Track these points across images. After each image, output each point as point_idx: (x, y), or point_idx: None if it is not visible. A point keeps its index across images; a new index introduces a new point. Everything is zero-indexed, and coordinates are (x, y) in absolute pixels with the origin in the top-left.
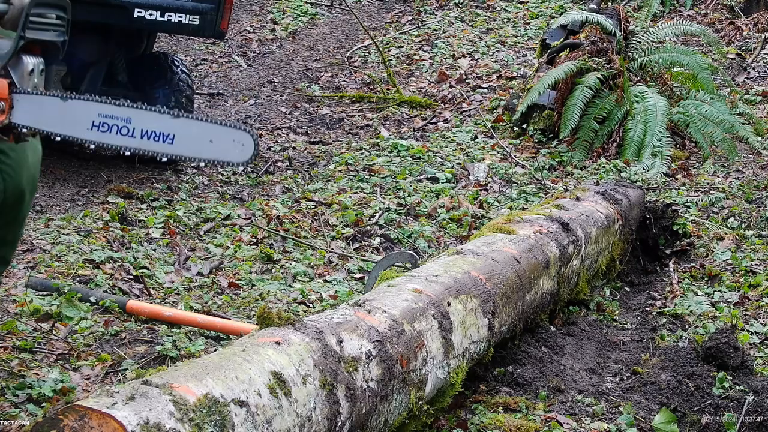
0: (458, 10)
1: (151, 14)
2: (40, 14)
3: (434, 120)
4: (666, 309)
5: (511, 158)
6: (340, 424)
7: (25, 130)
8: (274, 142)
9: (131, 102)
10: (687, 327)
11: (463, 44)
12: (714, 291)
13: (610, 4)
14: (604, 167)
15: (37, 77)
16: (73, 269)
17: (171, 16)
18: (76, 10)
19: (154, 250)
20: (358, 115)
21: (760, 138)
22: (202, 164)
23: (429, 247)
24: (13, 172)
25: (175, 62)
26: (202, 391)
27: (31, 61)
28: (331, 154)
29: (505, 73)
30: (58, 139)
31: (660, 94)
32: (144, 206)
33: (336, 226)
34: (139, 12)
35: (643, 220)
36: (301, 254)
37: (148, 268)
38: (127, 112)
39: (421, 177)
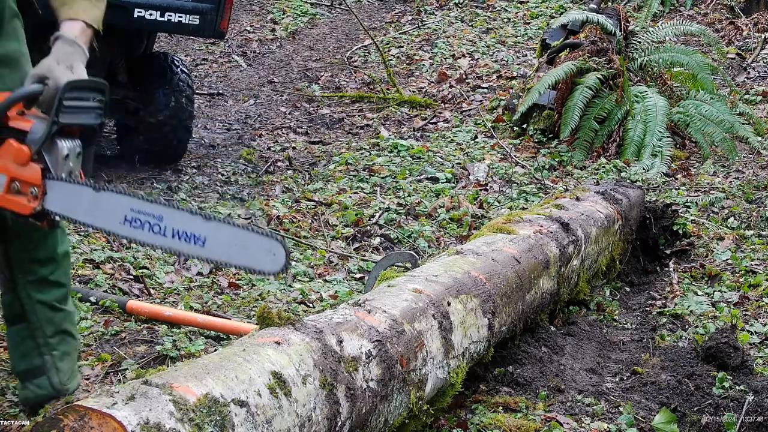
0: (458, 10)
1: (151, 14)
2: (76, 98)
3: (434, 120)
4: (666, 309)
5: (511, 158)
6: (340, 424)
7: (57, 218)
8: (274, 142)
9: (164, 200)
10: (687, 327)
11: (463, 44)
12: (714, 291)
13: (610, 4)
14: (604, 167)
15: (73, 161)
16: (73, 269)
17: (171, 16)
18: None
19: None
20: (358, 115)
21: (760, 138)
22: (232, 269)
23: (429, 247)
24: None
25: (175, 62)
26: (202, 391)
27: (66, 146)
28: (331, 154)
29: (505, 73)
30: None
31: (660, 94)
32: None
33: (336, 226)
34: (139, 12)
35: (643, 220)
36: (301, 254)
37: (148, 268)
38: (159, 209)
39: (421, 177)
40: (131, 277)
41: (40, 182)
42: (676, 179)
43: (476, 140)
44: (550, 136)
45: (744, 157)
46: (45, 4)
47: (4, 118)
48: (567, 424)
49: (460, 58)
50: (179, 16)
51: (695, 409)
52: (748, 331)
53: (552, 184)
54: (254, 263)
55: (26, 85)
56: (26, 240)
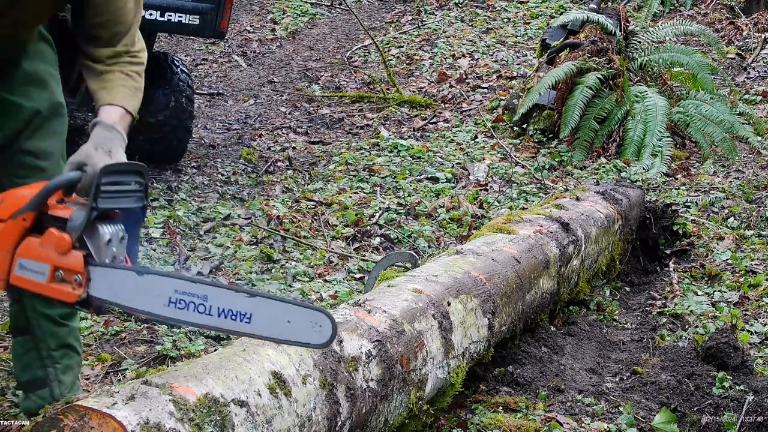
0: (458, 10)
1: (151, 14)
2: (114, 182)
3: (434, 120)
4: (666, 309)
5: (511, 158)
6: (340, 423)
7: (104, 304)
8: (274, 142)
9: (208, 280)
10: (687, 327)
11: (463, 44)
12: (714, 291)
13: (610, 4)
14: (604, 167)
15: (116, 246)
16: None
17: (171, 16)
18: None
19: (154, 249)
20: (358, 115)
21: (760, 138)
22: (279, 345)
23: (429, 247)
24: None
25: (175, 62)
26: (202, 391)
27: (108, 231)
28: (331, 154)
29: (505, 73)
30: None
31: (660, 94)
32: None
33: (336, 226)
34: None
35: (643, 220)
36: (301, 254)
37: None
38: (203, 289)
39: (421, 177)
40: None
41: (83, 269)
42: (676, 179)
43: (476, 140)
44: (550, 136)
45: (744, 157)
46: (77, 33)
47: (44, 206)
48: (567, 424)
49: (460, 58)
50: (179, 16)
51: (695, 409)
52: (748, 331)
53: (552, 184)
54: (300, 337)
55: (65, 172)
56: None
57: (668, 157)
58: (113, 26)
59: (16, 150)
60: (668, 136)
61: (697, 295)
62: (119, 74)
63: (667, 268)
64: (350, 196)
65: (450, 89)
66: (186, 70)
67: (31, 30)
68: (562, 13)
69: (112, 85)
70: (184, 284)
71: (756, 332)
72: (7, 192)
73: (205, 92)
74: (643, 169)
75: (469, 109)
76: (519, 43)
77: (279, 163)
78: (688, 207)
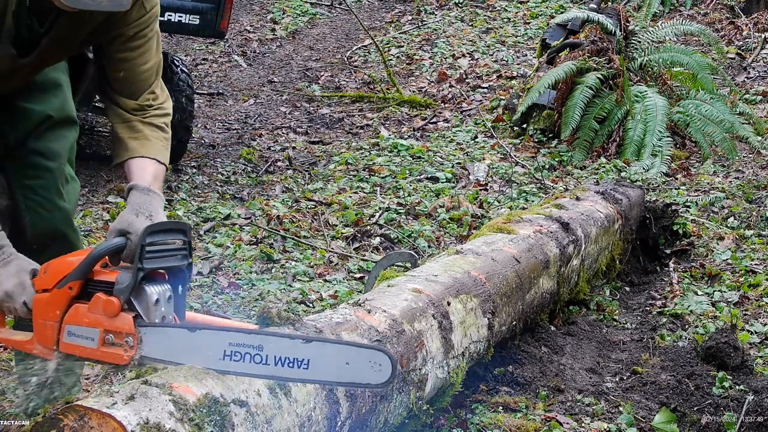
0: (458, 9)
1: None
2: (158, 242)
3: (434, 120)
4: (666, 309)
5: (511, 158)
6: (339, 423)
7: (158, 363)
8: (274, 142)
9: (261, 329)
10: (687, 327)
11: (463, 44)
12: (714, 291)
13: (610, 3)
14: (604, 167)
15: (165, 306)
16: None
17: (171, 16)
18: None
19: None
20: (358, 115)
21: (760, 138)
22: (339, 388)
23: (429, 246)
24: (44, 210)
25: (175, 62)
26: (202, 391)
27: (155, 291)
28: (331, 154)
29: (505, 72)
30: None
31: (660, 93)
32: None
33: (336, 225)
34: None
35: (643, 220)
36: (301, 254)
37: None
38: (257, 339)
39: (421, 177)
40: None
41: (134, 331)
42: (676, 179)
43: (476, 140)
44: (550, 135)
45: (744, 157)
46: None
47: (90, 273)
48: (567, 424)
49: (460, 57)
50: (179, 16)
51: (695, 409)
52: (748, 331)
53: (552, 184)
54: (361, 378)
55: (108, 239)
56: (46, 259)
57: (668, 157)
58: (133, 83)
59: (25, 151)
60: (668, 136)
61: (697, 295)
62: (149, 126)
63: (667, 268)
64: (350, 196)
65: (450, 89)
66: (186, 70)
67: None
68: (562, 13)
69: (144, 136)
70: (238, 336)
71: (756, 332)
72: (49, 262)
73: (205, 92)
74: (643, 169)
75: (469, 109)
76: (519, 43)
77: (279, 163)
78: (688, 207)
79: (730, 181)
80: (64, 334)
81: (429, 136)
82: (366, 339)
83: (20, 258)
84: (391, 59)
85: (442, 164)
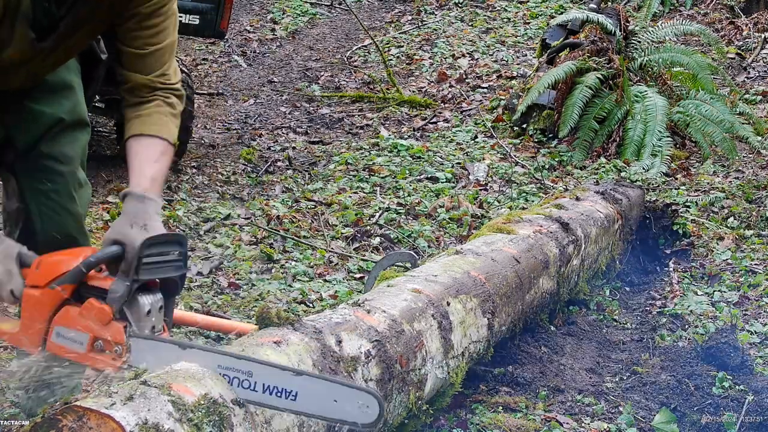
0: (458, 9)
1: None
2: (155, 254)
3: (434, 120)
4: (666, 309)
5: (511, 158)
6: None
7: None
8: (274, 142)
9: (251, 357)
10: (687, 327)
11: (463, 44)
12: (714, 291)
13: (610, 3)
14: (604, 167)
15: (155, 316)
16: None
17: None
18: None
19: None
20: (358, 115)
21: (760, 138)
22: (323, 422)
23: (429, 247)
24: (54, 214)
25: None
26: (201, 391)
27: (147, 301)
28: (331, 154)
29: (505, 72)
30: None
31: (660, 93)
32: None
33: (336, 225)
34: None
35: (643, 220)
36: (301, 254)
37: None
38: (248, 365)
39: (421, 177)
40: None
41: (124, 340)
42: (676, 179)
43: (476, 140)
44: (550, 135)
45: (744, 157)
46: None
47: (83, 278)
48: (567, 424)
49: (460, 57)
50: (179, 16)
51: (695, 409)
52: (748, 331)
53: (552, 184)
54: (347, 416)
55: (103, 248)
56: None
57: (668, 157)
58: (146, 59)
59: (37, 154)
60: (668, 136)
61: (697, 295)
62: (156, 101)
63: (667, 268)
64: (350, 196)
65: (450, 89)
66: (186, 70)
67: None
68: (561, 13)
69: (148, 113)
70: (228, 360)
71: (756, 332)
72: (41, 258)
73: (205, 92)
74: (643, 169)
75: (469, 109)
76: (519, 43)
77: (279, 163)
78: (688, 207)
79: (730, 181)
80: (53, 334)
81: (429, 136)
82: (366, 339)
83: (5, 242)
84: (391, 59)
85: (442, 164)
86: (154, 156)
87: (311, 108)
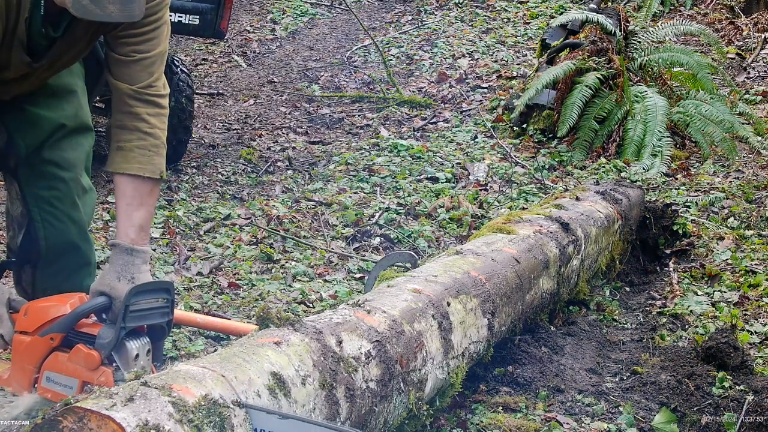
0: (458, 9)
1: None
2: (141, 301)
3: (434, 120)
4: (666, 309)
5: (510, 158)
6: (339, 424)
7: None
8: (274, 142)
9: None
10: (687, 327)
11: (463, 44)
12: (714, 291)
13: (610, 3)
14: (603, 167)
15: (143, 360)
16: None
17: (171, 16)
18: None
19: (154, 250)
20: (358, 115)
21: (760, 138)
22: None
23: (429, 247)
24: (58, 222)
25: (175, 62)
26: (202, 392)
27: (135, 346)
28: (331, 154)
29: (505, 72)
30: None
31: (660, 94)
32: None
33: (336, 226)
34: None
35: (643, 220)
36: (301, 254)
37: None
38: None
39: (421, 177)
40: None
41: (112, 385)
42: (676, 179)
43: (476, 140)
44: (550, 135)
45: (744, 157)
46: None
47: (72, 327)
48: (567, 424)
49: (460, 58)
50: (179, 16)
51: (695, 409)
52: (748, 331)
53: (552, 184)
54: None
55: (92, 299)
56: (57, 270)
57: (668, 157)
58: (133, 68)
59: (39, 160)
60: (668, 136)
61: (697, 295)
62: (137, 135)
63: (667, 268)
64: (350, 196)
65: (450, 89)
66: (186, 70)
67: None
68: (562, 13)
69: (130, 147)
70: None
71: (756, 332)
72: (29, 304)
73: (205, 92)
74: (643, 169)
75: (469, 109)
76: (519, 43)
77: (279, 163)
78: (688, 207)
79: (730, 181)
80: (43, 379)
81: (429, 136)
82: (366, 339)
83: None
84: (390, 59)
85: (442, 164)
86: (140, 198)
87: (311, 108)
